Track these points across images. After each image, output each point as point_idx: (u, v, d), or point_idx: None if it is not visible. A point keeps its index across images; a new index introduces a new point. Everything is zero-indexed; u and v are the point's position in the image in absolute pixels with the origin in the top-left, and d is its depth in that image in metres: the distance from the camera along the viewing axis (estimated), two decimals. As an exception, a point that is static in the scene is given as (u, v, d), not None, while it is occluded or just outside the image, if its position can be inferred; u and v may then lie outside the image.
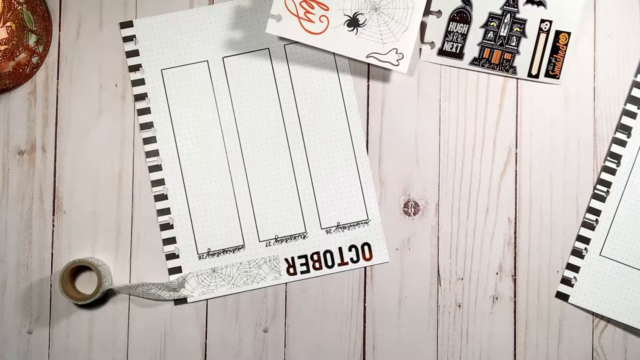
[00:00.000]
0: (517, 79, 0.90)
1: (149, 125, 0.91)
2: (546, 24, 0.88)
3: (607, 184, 0.89)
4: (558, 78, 0.90)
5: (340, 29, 0.86)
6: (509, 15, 0.88)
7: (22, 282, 0.91)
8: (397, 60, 0.86)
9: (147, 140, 0.91)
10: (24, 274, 0.91)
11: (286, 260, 0.91)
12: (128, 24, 0.92)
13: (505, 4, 0.88)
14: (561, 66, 0.89)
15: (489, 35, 0.89)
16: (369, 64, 0.91)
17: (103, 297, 0.90)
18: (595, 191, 0.89)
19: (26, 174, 0.92)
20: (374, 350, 0.90)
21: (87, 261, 0.87)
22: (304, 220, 0.91)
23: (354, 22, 0.86)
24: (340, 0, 0.85)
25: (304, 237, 0.91)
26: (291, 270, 0.91)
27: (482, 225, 0.90)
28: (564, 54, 0.89)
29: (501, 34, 0.89)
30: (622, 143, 0.89)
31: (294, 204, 0.91)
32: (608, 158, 0.89)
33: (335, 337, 0.90)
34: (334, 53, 0.91)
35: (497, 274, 0.89)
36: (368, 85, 0.91)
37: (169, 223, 0.91)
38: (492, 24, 0.89)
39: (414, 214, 0.90)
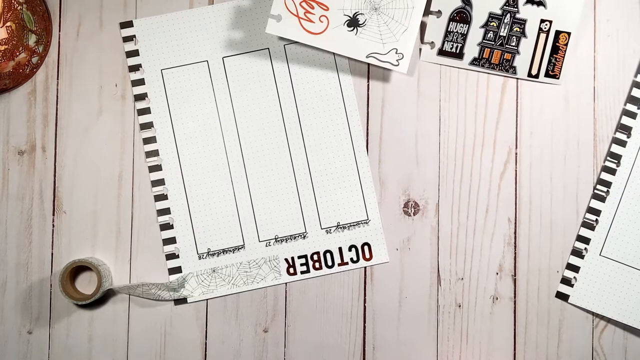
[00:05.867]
0: (517, 79, 0.90)
1: (149, 125, 0.91)
2: (546, 24, 0.88)
3: (607, 184, 0.89)
4: (558, 78, 0.90)
5: (340, 29, 0.86)
6: (509, 15, 0.88)
7: (22, 282, 0.91)
8: (397, 60, 0.86)
9: (147, 140, 0.91)
10: (24, 274, 0.91)
11: (286, 260, 0.91)
12: (128, 24, 0.92)
13: (505, 4, 0.88)
14: (561, 66, 0.89)
15: (489, 35, 0.89)
16: (369, 64, 0.91)
17: (103, 297, 0.90)
18: (595, 191, 0.89)
19: (26, 174, 0.92)
20: (374, 350, 0.90)
21: (87, 261, 0.87)
22: (304, 220, 0.91)
23: (354, 22, 0.86)
24: (340, 0, 0.85)
25: (304, 237, 0.91)
26: (291, 270, 0.91)
27: (482, 225, 0.90)
28: (564, 54, 0.89)
29: (501, 34, 0.89)
30: (622, 143, 0.89)
31: (294, 204, 0.91)
32: (608, 158, 0.89)
33: (335, 337, 0.90)
34: (334, 53, 0.91)
35: (497, 274, 0.89)
36: (368, 85, 0.91)
37: (169, 223, 0.91)
38: (492, 24, 0.89)
39: (414, 214, 0.90)
